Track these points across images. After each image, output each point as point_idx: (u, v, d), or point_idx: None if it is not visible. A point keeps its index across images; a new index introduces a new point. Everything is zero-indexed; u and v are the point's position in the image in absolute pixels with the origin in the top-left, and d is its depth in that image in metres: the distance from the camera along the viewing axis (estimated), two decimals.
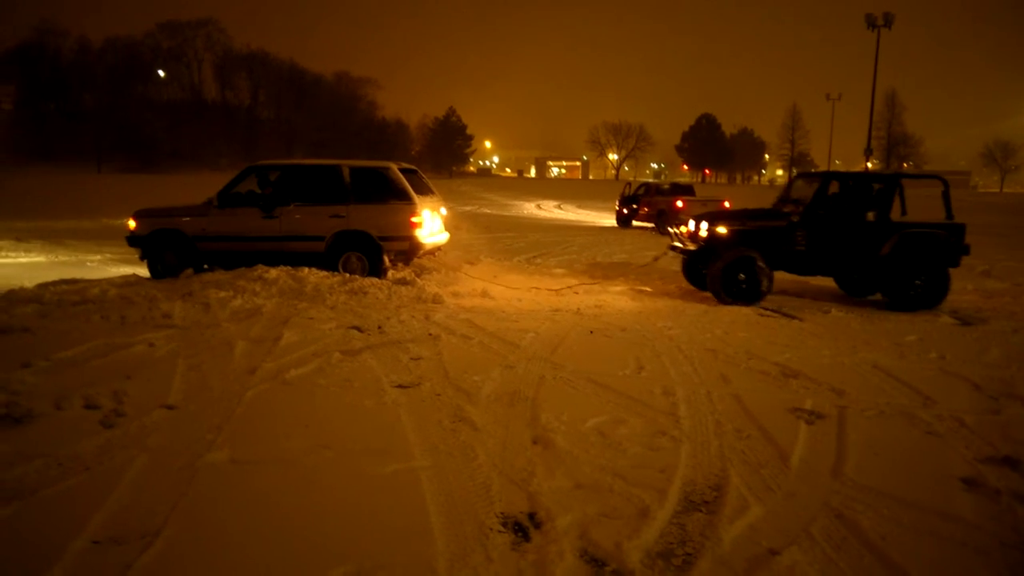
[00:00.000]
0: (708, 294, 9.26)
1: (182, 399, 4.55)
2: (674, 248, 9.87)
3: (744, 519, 3.16)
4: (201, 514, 3.09)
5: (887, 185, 9.13)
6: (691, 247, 9.37)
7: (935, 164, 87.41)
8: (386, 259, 9.18)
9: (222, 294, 7.44)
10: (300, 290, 7.90)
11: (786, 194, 9.93)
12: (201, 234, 9.34)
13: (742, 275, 8.65)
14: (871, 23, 42.08)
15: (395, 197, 9.19)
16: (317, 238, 9.20)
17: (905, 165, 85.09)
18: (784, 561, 2.82)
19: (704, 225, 9.11)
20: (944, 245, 8.74)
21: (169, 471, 3.49)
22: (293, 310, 7.16)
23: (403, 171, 9.43)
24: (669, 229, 10.22)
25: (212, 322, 6.61)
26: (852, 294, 9.85)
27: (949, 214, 8.94)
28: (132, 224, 9.54)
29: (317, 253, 9.18)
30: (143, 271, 9.56)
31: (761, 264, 8.64)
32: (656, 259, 10.60)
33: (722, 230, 8.98)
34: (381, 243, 9.14)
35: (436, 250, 10.25)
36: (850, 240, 8.94)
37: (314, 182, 9.45)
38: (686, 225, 9.75)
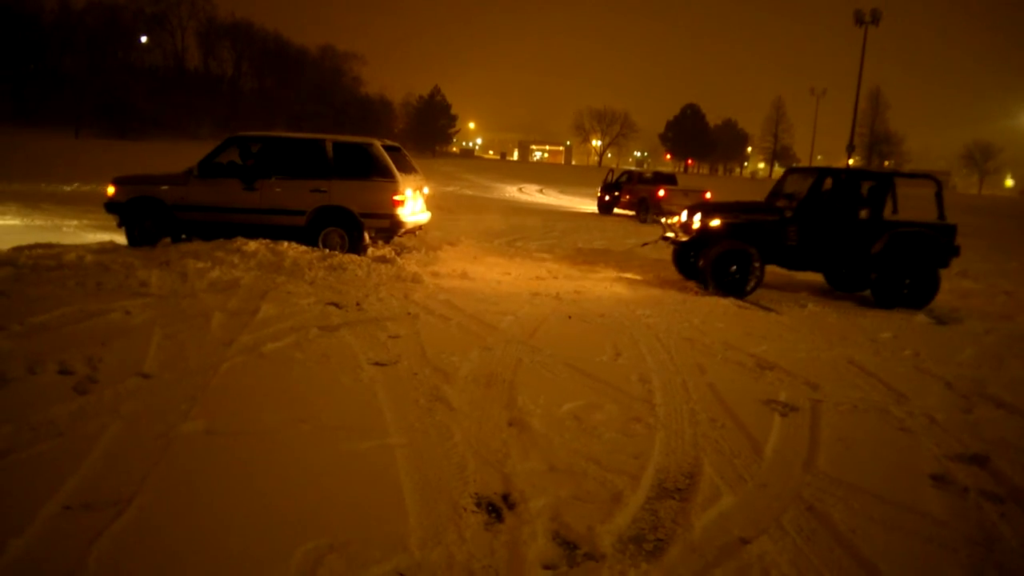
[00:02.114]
0: (689, 283, 9.32)
1: (157, 368, 4.49)
2: (666, 238, 9.86)
3: (716, 507, 3.20)
4: (174, 484, 3.06)
5: (880, 183, 9.18)
6: (684, 238, 9.34)
7: (916, 163, 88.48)
8: (367, 236, 9.11)
9: (200, 264, 7.34)
10: (279, 264, 7.82)
11: (779, 188, 9.95)
12: (180, 203, 9.21)
13: (734, 267, 8.67)
14: (859, 19, 42.30)
15: (378, 174, 9.12)
16: (298, 212, 9.11)
17: (886, 163, 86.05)
18: (754, 550, 2.85)
19: (697, 217, 9.10)
20: (934, 245, 8.78)
21: (143, 439, 3.45)
22: (271, 284, 7.09)
23: (387, 148, 9.35)
24: (662, 220, 10.12)
25: (189, 292, 6.53)
26: (840, 289, 9.92)
27: (941, 214, 8.98)
28: (111, 190, 9.38)
29: (297, 227, 9.09)
30: (120, 238, 9.41)
31: (754, 258, 8.67)
32: (645, 244, 10.68)
33: (715, 223, 8.97)
34: (362, 220, 9.07)
35: (417, 229, 10.19)
36: (842, 237, 8.97)
37: (296, 156, 9.34)
38: (678, 215, 9.74)
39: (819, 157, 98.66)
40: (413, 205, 9.49)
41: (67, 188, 18.94)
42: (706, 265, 8.73)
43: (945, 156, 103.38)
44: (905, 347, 6.52)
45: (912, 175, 10.00)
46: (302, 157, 9.29)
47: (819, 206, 9.03)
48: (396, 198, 9.06)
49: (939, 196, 9.12)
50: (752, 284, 8.71)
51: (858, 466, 3.77)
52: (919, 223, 8.91)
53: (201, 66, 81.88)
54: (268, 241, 8.57)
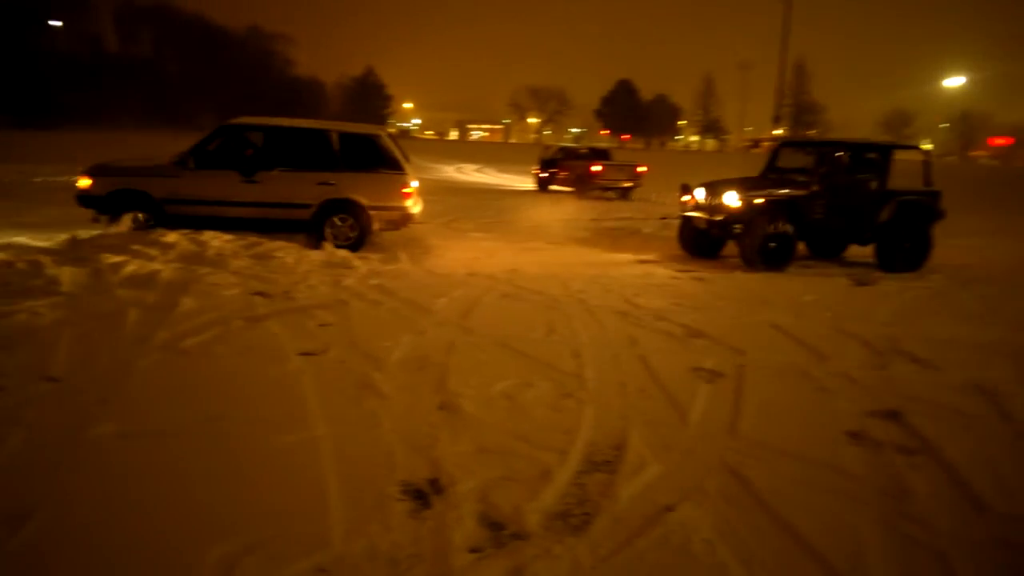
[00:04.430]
0: (630, 256, 9.43)
1: (67, 371, 4.26)
2: (686, 216, 9.93)
3: (641, 477, 3.24)
4: (80, 492, 2.92)
5: (883, 155, 9.67)
6: (718, 217, 9.28)
7: (838, 131, 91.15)
8: (375, 228, 9.08)
9: (115, 259, 7.01)
10: (201, 254, 7.54)
11: (772, 163, 10.27)
12: (171, 197, 8.73)
13: (773, 244, 8.92)
14: None
15: (386, 166, 9.10)
16: (303, 205, 8.92)
17: (811, 132, 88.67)
18: (678, 517, 2.90)
19: (731, 195, 9.12)
20: (928, 210, 9.53)
21: (48, 447, 3.27)
22: (193, 276, 6.82)
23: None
24: (681, 199, 10.11)
25: (103, 289, 6.22)
26: (821, 256, 10.37)
27: (928, 181, 9.70)
28: (85, 182, 8.75)
29: (301, 220, 8.96)
30: (29, 240, 8.88)
31: (792, 232, 9.00)
32: (664, 219, 12.16)
33: (758, 200, 9.11)
34: (372, 212, 8.98)
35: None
36: (859, 208, 9.40)
37: (300, 146, 9.11)
38: (691, 194, 9.81)
39: (748, 128, 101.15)
40: (417, 196, 9.52)
41: None
42: (754, 242, 8.89)
43: (867, 124, 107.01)
44: (826, 309, 6.74)
45: (906, 146, 11.08)
46: (307, 148, 9.07)
47: (839, 179, 9.34)
48: (406, 190, 9.08)
49: (927, 165, 9.82)
50: (790, 257, 9.05)
51: (779, 427, 3.87)
52: (915, 191, 9.61)
53: (120, 51, 78.24)
54: (189, 231, 8.27)
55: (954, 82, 77.57)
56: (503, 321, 5.88)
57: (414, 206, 9.39)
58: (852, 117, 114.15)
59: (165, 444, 3.38)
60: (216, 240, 8.03)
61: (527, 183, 26.64)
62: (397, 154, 9.20)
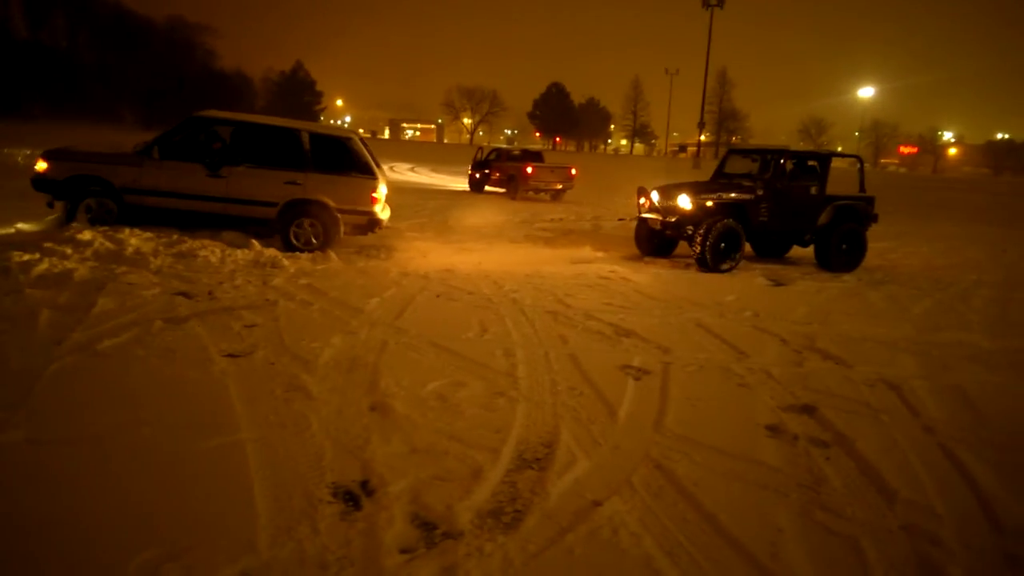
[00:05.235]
0: (562, 257, 9.57)
1: None
2: (643, 218, 10.21)
3: (571, 473, 3.30)
4: None
5: (822, 162, 10.22)
6: (672, 218, 9.62)
7: (759, 138, 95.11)
8: (341, 231, 8.94)
9: (26, 257, 6.64)
10: (119, 253, 7.22)
11: (721, 168, 10.73)
12: (131, 186, 8.48)
13: (723, 244, 9.23)
14: (706, 3, 44.79)
15: (356, 170, 8.98)
16: (269, 204, 8.71)
17: (734, 139, 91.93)
18: (606, 512, 2.97)
19: (685, 198, 9.47)
20: (864, 214, 10.21)
21: None
22: (111, 275, 6.53)
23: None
24: (639, 201, 10.45)
25: (13, 288, 5.88)
26: (764, 255, 10.89)
27: (862, 187, 10.42)
28: (42, 166, 8.42)
29: (266, 219, 8.78)
30: None
31: (741, 233, 9.38)
32: (621, 220, 12.54)
33: (709, 203, 9.48)
34: (339, 215, 8.85)
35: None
36: (798, 211, 9.94)
37: (269, 144, 8.91)
38: (646, 197, 10.08)
39: (675, 134, 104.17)
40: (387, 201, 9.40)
41: None
42: (709, 243, 9.15)
43: (785, 131, 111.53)
44: (746, 308, 7.01)
45: (843, 155, 11.94)
46: (275, 146, 8.88)
47: (782, 184, 9.79)
48: (375, 195, 8.99)
49: (861, 171, 10.62)
50: (738, 258, 9.41)
51: (702, 422, 4.01)
52: (851, 196, 10.24)
53: (30, 37, 73.87)
54: (107, 228, 7.94)
55: (866, 92, 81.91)
56: (436, 321, 5.87)
57: (382, 211, 9.34)
58: (772, 124, 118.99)
59: (80, 451, 3.23)
60: (135, 238, 7.71)
61: (460, 183, 26.59)
62: (368, 158, 9.13)
